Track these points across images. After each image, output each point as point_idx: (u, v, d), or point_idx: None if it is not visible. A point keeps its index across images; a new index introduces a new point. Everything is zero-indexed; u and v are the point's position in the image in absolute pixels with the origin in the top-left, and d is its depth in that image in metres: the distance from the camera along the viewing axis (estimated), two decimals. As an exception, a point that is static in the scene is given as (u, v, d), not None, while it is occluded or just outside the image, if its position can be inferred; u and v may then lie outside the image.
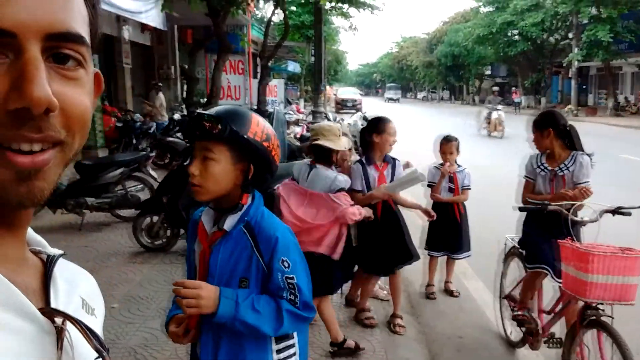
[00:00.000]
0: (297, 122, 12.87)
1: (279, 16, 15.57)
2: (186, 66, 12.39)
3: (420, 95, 76.58)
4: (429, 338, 4.01)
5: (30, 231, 0.65)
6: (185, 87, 11.23)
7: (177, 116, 11.47)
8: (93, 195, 6.51)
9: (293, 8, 23.63)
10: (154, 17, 10.15)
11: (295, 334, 1.64)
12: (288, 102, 20.38)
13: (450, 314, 4.44)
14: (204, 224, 1.65)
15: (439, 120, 28.49)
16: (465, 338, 4.00)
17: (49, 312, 0.56)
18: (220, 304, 1.49)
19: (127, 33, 12.75)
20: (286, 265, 1.55)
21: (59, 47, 0.54)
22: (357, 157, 4.18)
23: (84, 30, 0.57)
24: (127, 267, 5.15)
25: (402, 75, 76.60)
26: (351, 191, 3.60)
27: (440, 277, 4.98)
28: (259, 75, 14.99)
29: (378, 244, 3.79)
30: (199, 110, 1.59)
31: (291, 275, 1.55)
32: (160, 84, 13.28)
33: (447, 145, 4.71)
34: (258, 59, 17.44)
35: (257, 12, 23.67)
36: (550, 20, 32.99)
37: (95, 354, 0.60)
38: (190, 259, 1.72)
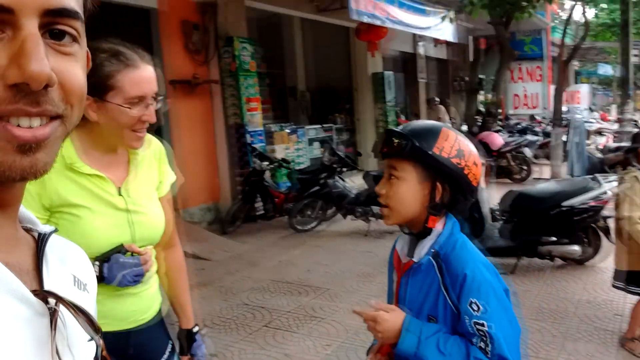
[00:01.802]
0: (599, 132, 11.49)
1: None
2: (467, 78, 12.27)
3: None
4: None
5: (21, 208, 0.64)
6: (489, 97, 11.10)
7: (464, 128, 11.45)
8: (378, 204, 6.94)
9: (604, 5, 21.23)
10: (443, 31, 10.33)
11: None
12: (590, 110, 18.37)
13: None
14: (398, 251, 1.54)
15: None
16: None
17: (42, 294, 0.56)
18: (401, 337, 1.38)
19: (422, 49, 13.29)
20: (475, 308, 1.33)
21: (55, 23, 0.54)
22: None
23: (78, 5, 0.57)
24: (402, 275, 5.33)
25: None
26: None
27: None
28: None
29: None
30: (390, 127, 1.52)
31: (481, 321, 1.32)
32: (436, 99, 13.39)
33: None
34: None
35: (560, 13, 22.01)
36: None
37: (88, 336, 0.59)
38: (390, 288, 1.62)
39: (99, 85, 1.40)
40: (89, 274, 0.73)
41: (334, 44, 11.56)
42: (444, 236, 1.44)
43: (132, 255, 1.46)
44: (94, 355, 0.60)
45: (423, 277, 1.44)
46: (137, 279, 1.46)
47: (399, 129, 1.46)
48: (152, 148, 1.65)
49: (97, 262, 1.42)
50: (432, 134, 1.41)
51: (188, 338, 1.77)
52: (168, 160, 1.71)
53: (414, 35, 12.15)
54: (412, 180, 1.43)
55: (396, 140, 1.42)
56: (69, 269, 0.66)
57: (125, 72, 1.41)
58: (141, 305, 1.58)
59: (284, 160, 7.77)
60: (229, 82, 7.77)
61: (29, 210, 1.36)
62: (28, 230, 0.65)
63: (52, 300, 0.56)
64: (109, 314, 1.49)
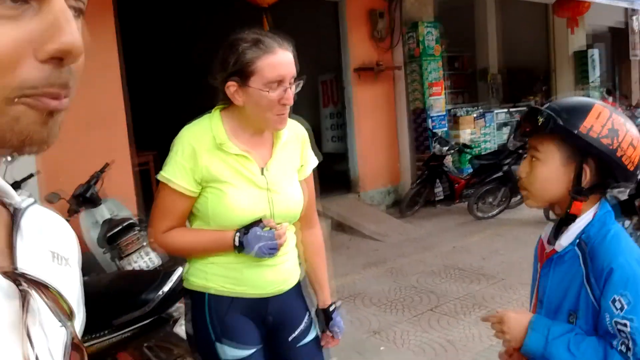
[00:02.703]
0: None
1: None
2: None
3: None
4: None
5: None
6: None
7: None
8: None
9: None
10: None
11: None
12: None
13: None
14: (543, 239, 1.43)
15: None
16: None
17: (13, 275, 0.53)
18: (526, 336, 1.29)
19: (635, 23, 11.77)
20: (618, 306, 1.19)
21: None
22: None
23: None
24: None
25: None
26: None
27: None
28: None
29: None
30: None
31: (623, 321, 1.18)
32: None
33: None
34: None
35: None
36: None
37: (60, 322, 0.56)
38: (533, 280, 1.51)
39: (242, 71, 1.55)
40: (72, 247, 0.69)
41: (530, 22, 10.83)
42: (594, 225, 1.32)
43: (269, 229, 1.61)
44: (64, 340, 0.56)
45: (566, 269, 1.34)
46: (272, 251, 1.60)
47: (546, 105, 1.37)
48: (296, 132, 1.77)
49: (237, 233, 1.60)
50: (580, 111, 1.30)
51: (326, 316, 1.87)
52: (310, 145, 1.83)
53: (626, 8, 10.81)
54: (555, 162, 1.33)
55: (540, 118, 1.32)
56: (48, 244, 0.63)
57: (264, 57, 1.54)
58: (278, 276, 1.71)
59: (465, 145, 7.58)
60: (412, 67, 7.80)
61: (183, 182, 1.60)
62: (5, 204, 0.60)
63: (24, 283, 0.53)
64: (248, 281, 1.67)
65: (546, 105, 1.36)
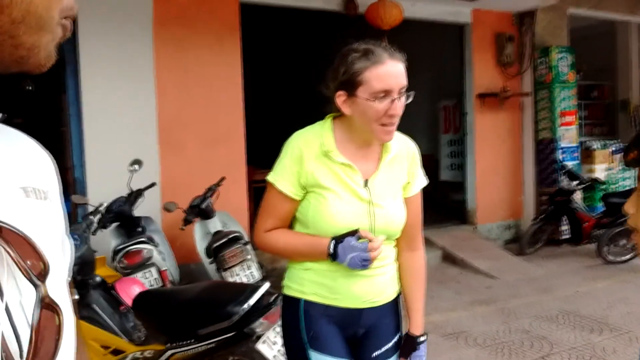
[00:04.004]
0: None
1: None
2: None
3: None
4: None
5: None
6: None
7: None
8: None
9: None
10: None
11: None
12: None
13: None
14: None
15: None
16: None
17: None
18: None
19: None
20: None
21: None
22: None
23: None
24: None
25: None
26: None
27: None
28: None
29: None
30: None
31: None
32: None
33: None
34: None
35: None
36: None
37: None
38: None
39: (350, 81, 1.55)
40: (50, 177, 0.63)
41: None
42: None
43: (365, 240, 1.56)
44: (34, 298, 0.49)
45: None
46: (365, 263, 1.55)
47: None
48: (406, 148, 1.73)
49: (333, 241, 1.58)
50: None
51: (410, 344, 1.76)
52: (419, 164, 1.76)
53: None
54: None
55: None
56: (21, 178, 0.56)
57: (372, 68, 1.52)
58: (373, 288, 1.66)
59: (597, 180, 6.93)
60: (542, 95, 7.34)
61: (288, 185, 1.60)
62: None
63: None
64: (341, 290, 1.64)
65: None
